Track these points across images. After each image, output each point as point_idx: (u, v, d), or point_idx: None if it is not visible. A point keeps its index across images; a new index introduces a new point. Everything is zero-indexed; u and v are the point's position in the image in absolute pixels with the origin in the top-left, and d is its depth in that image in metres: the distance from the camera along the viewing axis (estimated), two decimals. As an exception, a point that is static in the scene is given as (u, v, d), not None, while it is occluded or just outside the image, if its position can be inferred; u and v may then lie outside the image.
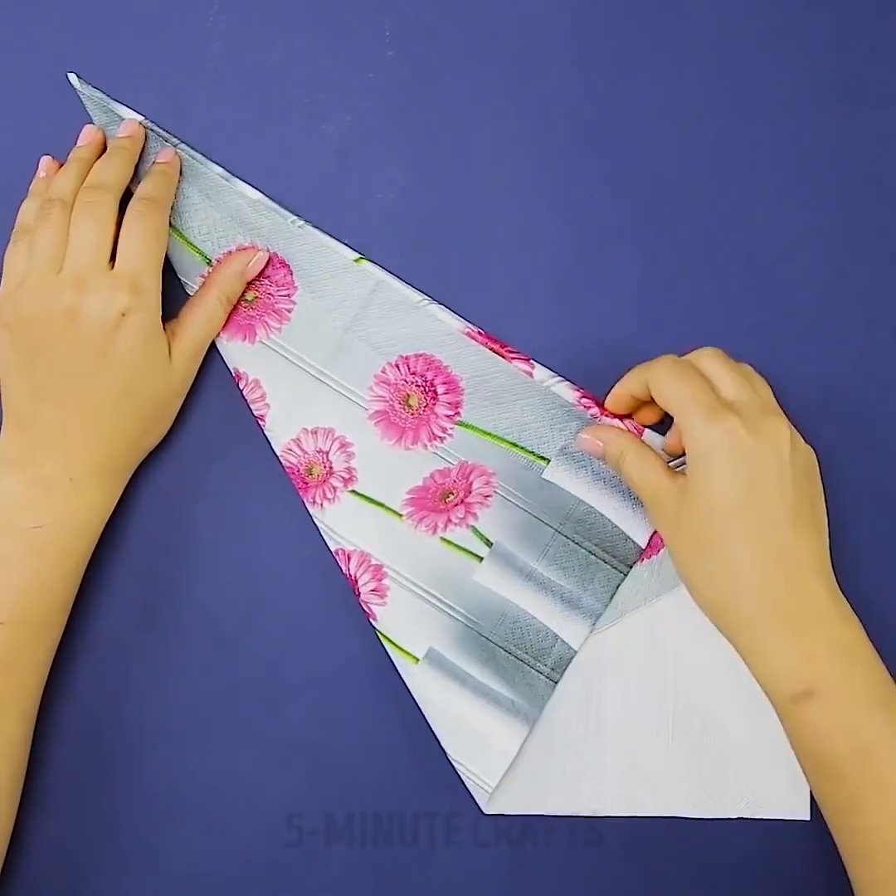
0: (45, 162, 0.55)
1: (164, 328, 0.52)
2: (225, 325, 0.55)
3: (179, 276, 0.55)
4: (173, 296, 0.54)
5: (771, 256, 0.56)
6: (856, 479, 0.55)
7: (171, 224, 0.55)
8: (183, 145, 0.55)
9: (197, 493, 0.55)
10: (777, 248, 0.56)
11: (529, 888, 0.54)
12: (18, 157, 0.56)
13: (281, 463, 0.55)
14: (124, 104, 0.55)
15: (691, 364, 0.51)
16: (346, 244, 0.55)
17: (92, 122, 0.55)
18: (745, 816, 0.54)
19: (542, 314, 0.56)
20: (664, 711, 0.54)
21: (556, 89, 0.57)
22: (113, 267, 0.51)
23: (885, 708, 0.47)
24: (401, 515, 0.54)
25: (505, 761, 0.53)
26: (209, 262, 0.55)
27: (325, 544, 0.54)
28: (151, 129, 0.55)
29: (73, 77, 0.55)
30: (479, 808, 0.53)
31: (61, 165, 0.54)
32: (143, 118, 0.55)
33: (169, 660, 0.55)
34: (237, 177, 0.56)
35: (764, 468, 0.48)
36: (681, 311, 0.56)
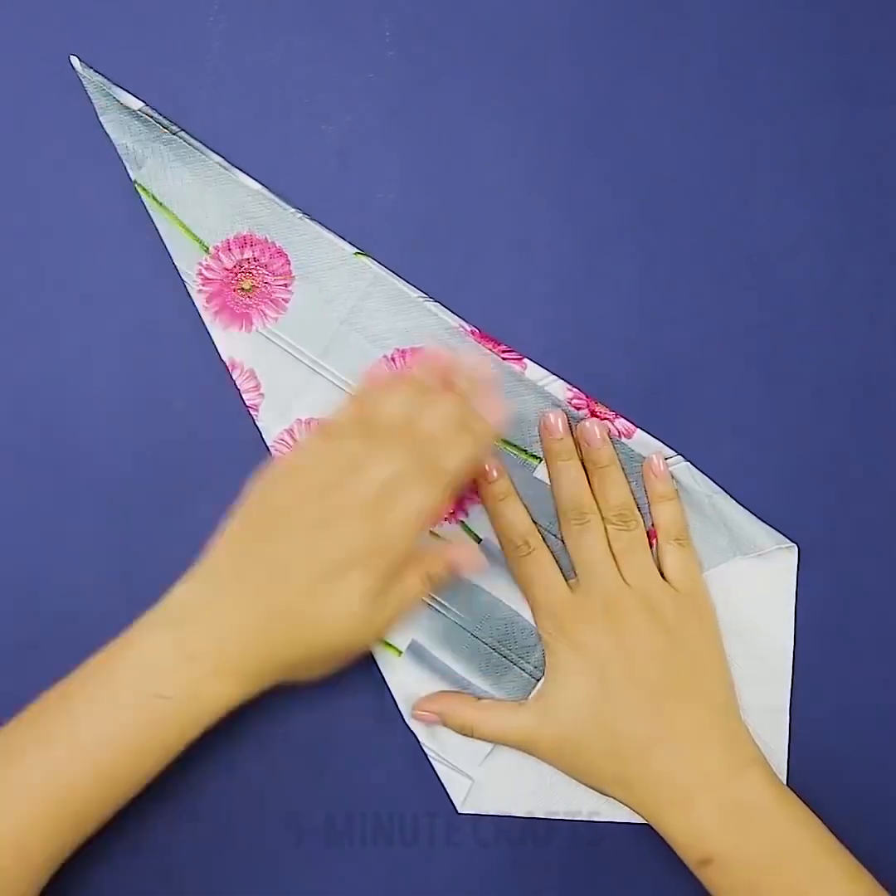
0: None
1: None
2: (220, 313, 0.55)
3: (175, 263, 0.55)
4: (172, 286, 0.54)
5: (771, 256, 0.56)
6: (856, 480, 0.55)
7: (168, 210, 0.55)
8: (182, 133, 0.55)
9: (191, 487, 0.55)
10: (777, 248, 0.56)
11: (529, 888, 0.54)
12: (18, 158, 0.56)
13: (271, 454, 0.55)
14: (124, 89, 0.55)
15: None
16: (346, 240, 0.56)
17: (95, 113, 0.55)
18: None
19: (542, 314, 0.56)
20: None
21: (556, 89, 0.57)
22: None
23: (781, 865, 0.48)
24: None
25: (482, 755, 0.54)
26: (207, 250, 0.55)
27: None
28: (151, 116, 0.55)
29: (75, 60, 0.55)
30: (453, 807, 0.53)
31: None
32: (142, 104, 0.55)
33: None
34: (237, 167, 0.56)
35: (607, 659, 0.51)
36: (681, 311, 0.56)
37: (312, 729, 0.55)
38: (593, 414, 0.54)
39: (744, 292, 0.56)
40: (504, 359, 0.55)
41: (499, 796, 0.54)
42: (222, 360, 0.55)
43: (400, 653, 0.54)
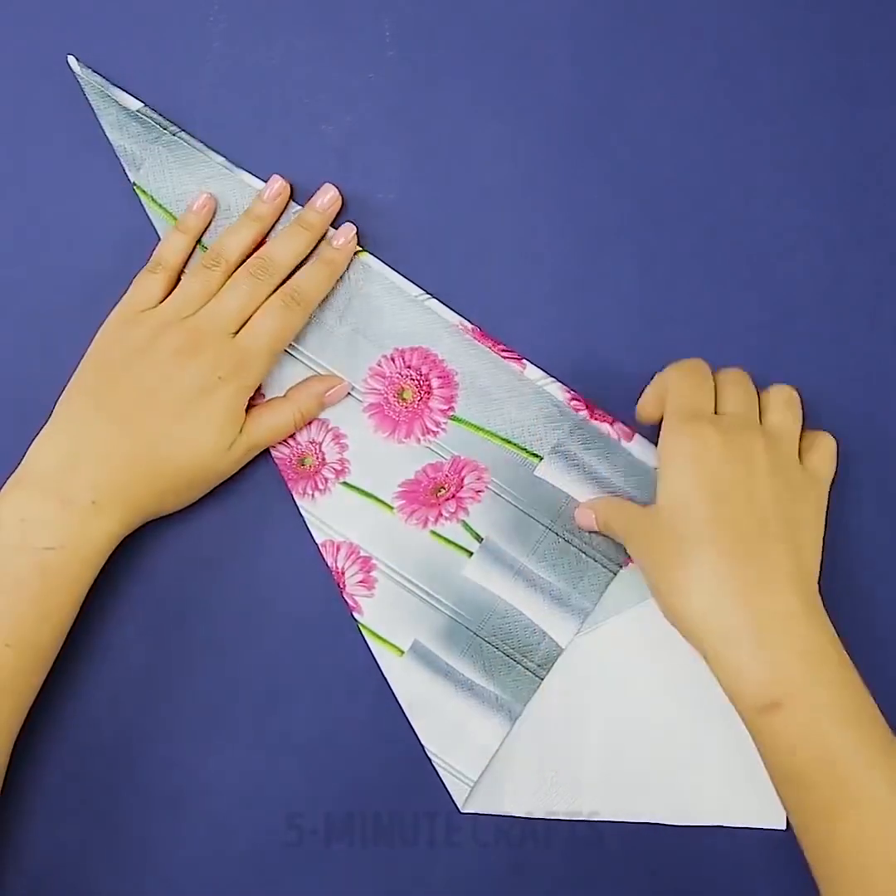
0: (203, 200, 0.55)
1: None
2: None
3: None
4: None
5: (771, 256, 0.56)
6: (856, 480, 0.55)
7: (166, 210, 0.55)
8: (182, 133, 0.55)
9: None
10: (777, 248, 0.56)
11: (529, 888, 0.54)
12: (18, 158, 0.56)
13: (271, 455, 0.55)
14: (122, 89, 0.55)
15: (703, 373, 0.51)
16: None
17: (95, 112, 0.55)
18: (722, 824, 0.53)
19: (542, 314, 0.56)
20: (646, 716, 0.54)
21: (556, 89, 0.57)
22: (235, 335, 0.52)
23: (852, 719, 0.46)
24: (392, 508, 0.55)
25: (485, 756, 0.53)
26: (205, 249, 0.55)
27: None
28: (149, 117, 0.55)
29: (72, 60, 0.55)
30: (455, 806, 0.53)
31: (204, 206, 0.55)
32: (141, 104, 0.55)
33: (169, 660, 0.55)
34: (239, 166, 0.56)
35: (732, 480, 0.49)
36: (681, 311, 0.56)
37: (312, 729, 0.55)
38: (592, 415, 0.54)
39: (744, 292, 0.56)
40: (504, 358, 0.55)
41: (499, 796, 0.54)
42: None
43: (402, 653, 0.54)
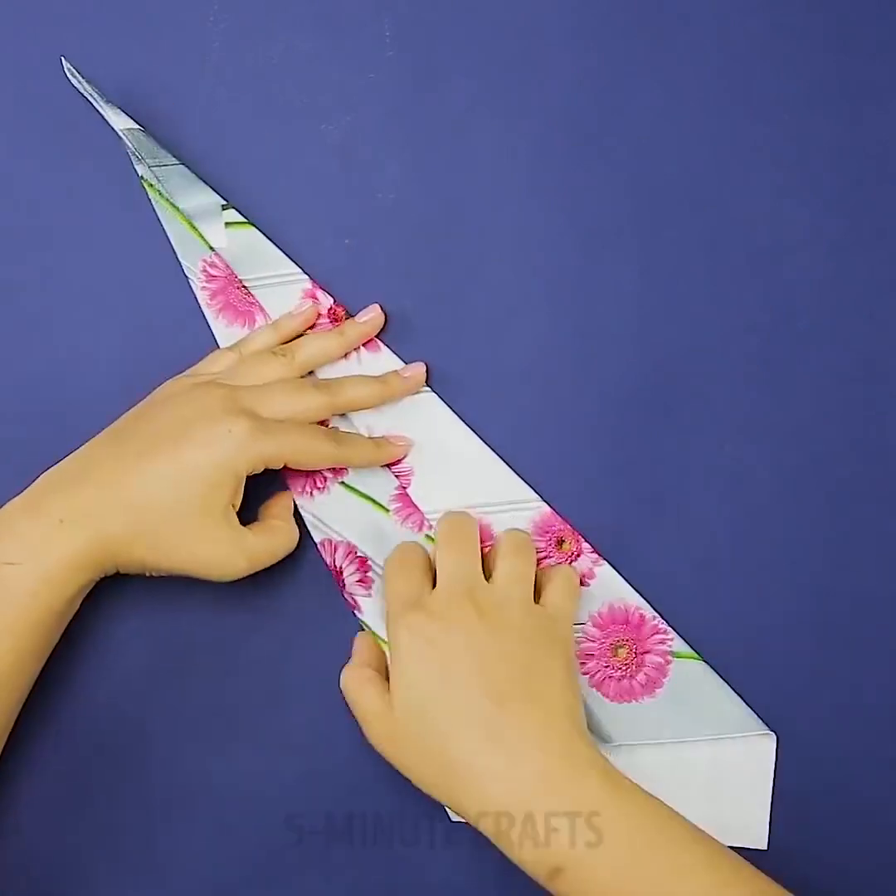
0: (306, 310, 0.55)
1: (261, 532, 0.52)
2: (224, 310, 0.55)
3: (179, 259, 0.56)
4: (175, 282, 0.55)
5: (771, 256, 0.56)
6: (856, 479, 0.55)
7: (173, 205, 0.55)
8: (181, 166, 0.55)
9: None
10: (777, 249, 0.56)
11: (529, 888, 0.54)
12: (18, 159, 0.56)
13: None
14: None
15: (416, 553, 0.52)
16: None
17: (95, 109, 0.55)
18: None
19: (542, 314, 0.56)
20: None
21: (556, 89, 0.57)
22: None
23: (637, 864, 0.45)
24: (388, 511, 0.55)
25: None
26: (211, 247, 0.55)
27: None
28: (148, 141, 0.54)
29: (67, 65, 0.54)
30: (447, 816, 0.53)
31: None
32: (140, 128, 0.54)
33: (169, 659, 0.55)
34: (233, 206, 0.56)
35: (453, 653, 0.48)
36: (681, 311, 0.56)
37: (312, 729, 0.55)
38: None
39: (744, 292, 0.56)
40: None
41: None
42: None
43: None
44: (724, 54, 0.57)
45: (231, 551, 0.50)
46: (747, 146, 0.57)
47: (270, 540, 0.52)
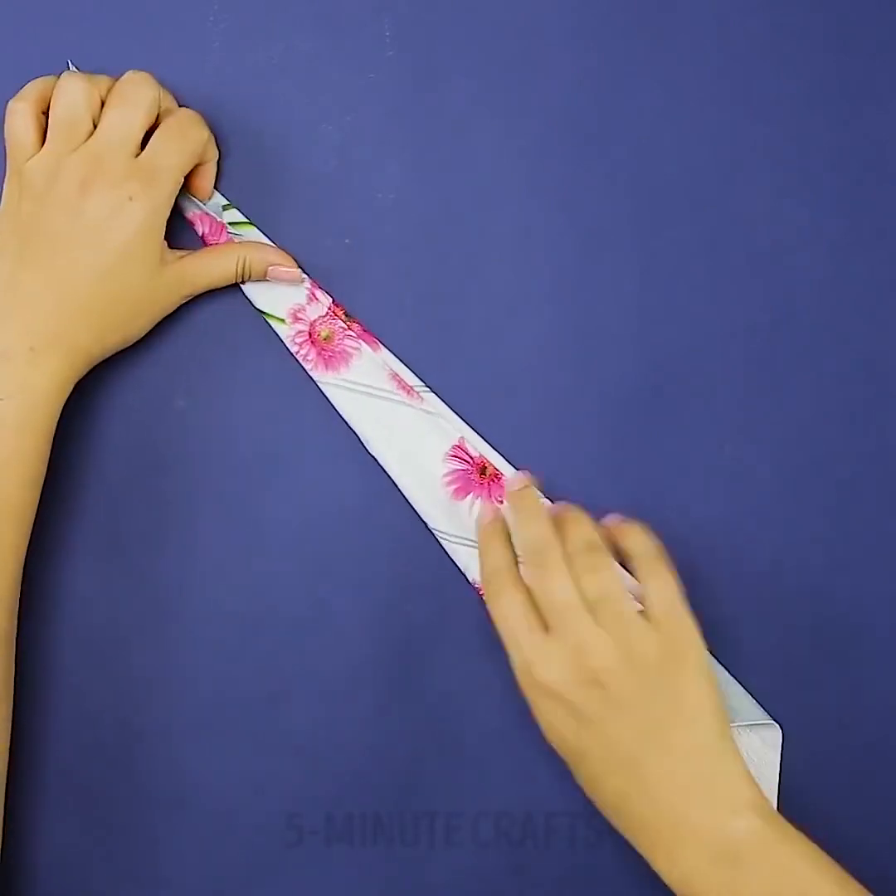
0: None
1: (173, 249, 0.52)
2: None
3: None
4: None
5: (771, 256, 0.56)
6: (856, 480, 0.55)
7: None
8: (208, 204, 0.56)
9: (197, 490, 0.55)
10: (777, 249, 0.57)
11: (529, 888, 0.54)
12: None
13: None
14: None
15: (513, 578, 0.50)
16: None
17: None
18: None
19: (543, 314, 0.56)
20: None
21: (556, 89, 0.57)
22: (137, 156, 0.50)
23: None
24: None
25: None
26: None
27: (327, 542, 0.55)
28: None
29: (71, 67, 0.55)
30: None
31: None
32: None
33: (169, 659, 0.55)
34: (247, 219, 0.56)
35: (585, 710, 0.47)
36: (681, 311, 0.56)
37: (312, 729, 0.55)
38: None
39: (744, 292, 0.56)
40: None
41: None
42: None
43: None
44: (724, 54, 0.57)
45: (180, 282, 0.53)
46: (747, 146, 0.57)
47: (204, 260, 0.53)
